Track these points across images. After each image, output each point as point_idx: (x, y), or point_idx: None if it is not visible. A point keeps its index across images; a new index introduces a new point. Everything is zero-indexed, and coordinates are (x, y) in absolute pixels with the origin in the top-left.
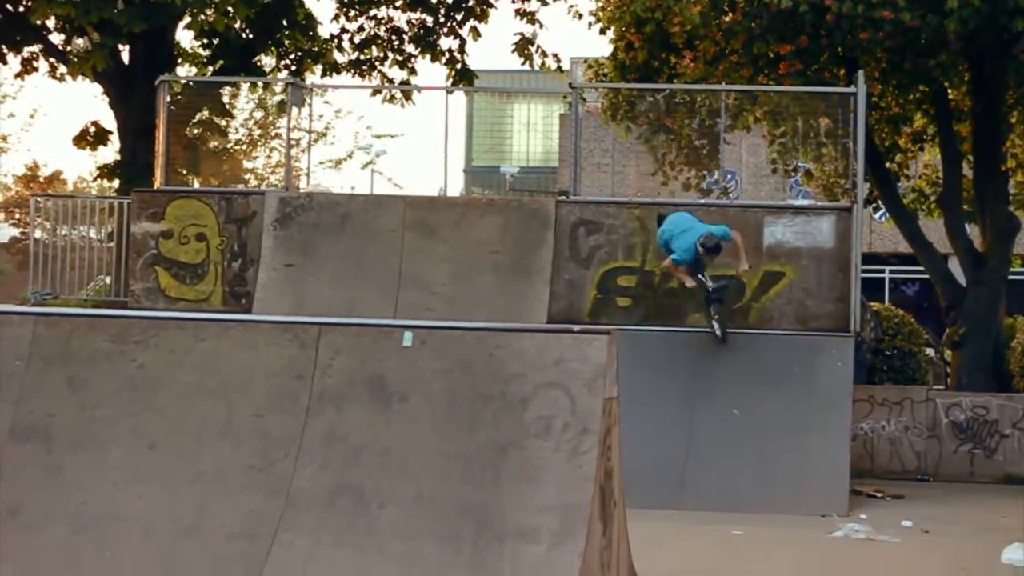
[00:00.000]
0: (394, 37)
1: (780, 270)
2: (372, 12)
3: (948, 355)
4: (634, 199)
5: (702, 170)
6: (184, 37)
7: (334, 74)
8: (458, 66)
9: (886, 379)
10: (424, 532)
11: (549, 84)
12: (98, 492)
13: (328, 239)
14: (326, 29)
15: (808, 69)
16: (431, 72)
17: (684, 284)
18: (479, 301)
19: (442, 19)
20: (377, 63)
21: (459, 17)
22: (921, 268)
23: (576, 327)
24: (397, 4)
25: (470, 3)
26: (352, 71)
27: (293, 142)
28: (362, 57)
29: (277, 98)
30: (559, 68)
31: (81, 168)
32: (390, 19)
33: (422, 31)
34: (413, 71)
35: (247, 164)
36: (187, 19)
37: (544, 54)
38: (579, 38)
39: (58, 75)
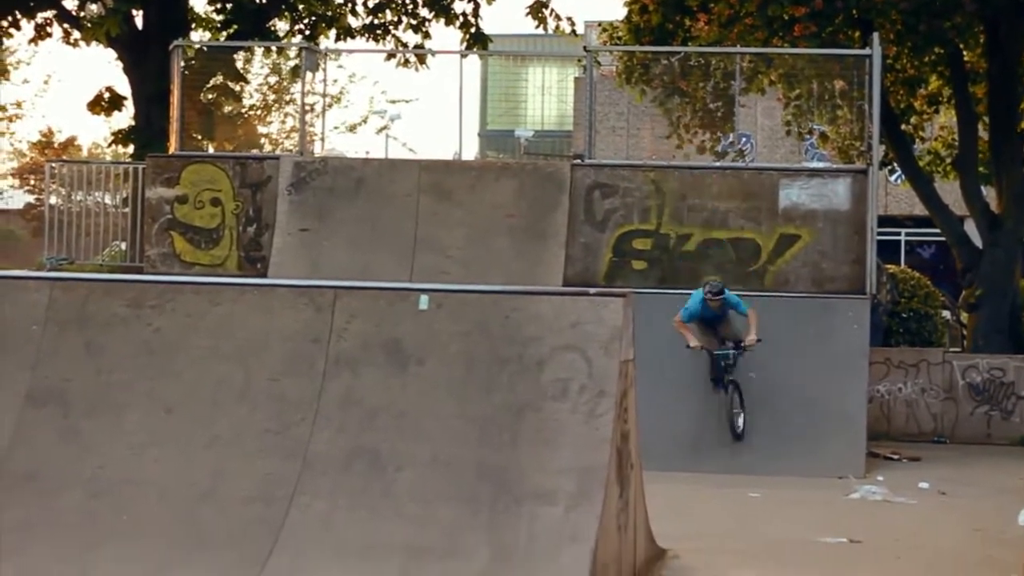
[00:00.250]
0: (408, 1)
1: (796, 233)
2: None
3: (964, 317)
4: (649, 162)
5: (717, 133)
6: (198, 2)
7: (348, 39)
8: (472, 30)
9: (902, 341)
10: (441, 495)
11: (563, 48)
12: (115, 456)
13: (343, 203)
14: None
15: (823, 31)
16: (445, 36)
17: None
18: (494, 264)
19: None
20: (391, 27)
21: None
22: (937, 230)
23: (592, 290)
24: None
25: None
26: (366, 35)
27: (307, 107)
28: (376, 21)
29: (291, 63)
30: (573, 32)
31: (96, 134)
32: None
33: None
34: (427, 35)
35: (261, 129)
36: None
37: (558, 17)
38: (593, 1)
39: (72, 41)
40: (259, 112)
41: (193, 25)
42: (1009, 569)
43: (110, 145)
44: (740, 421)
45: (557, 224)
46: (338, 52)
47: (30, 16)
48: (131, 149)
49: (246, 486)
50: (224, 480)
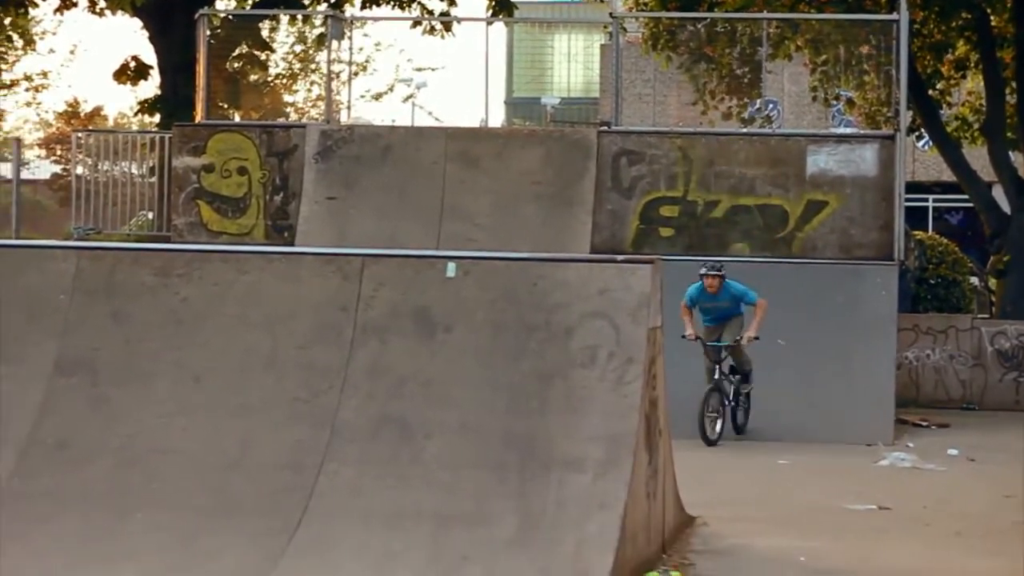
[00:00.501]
0: None
1: (823, 199)
2: None
3: (992, 283)
4: (676, 129)
5: (743, 99)
6: None
7: (374, 6)
8: None
9: (930, 308)
10: (470, 462)
11: (590, 14)
12: (144, 425)
13: (370, 172)
14: None
15: None
16: (471, 3)
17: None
18: (521, 232)
19: None
20: None
21: None
22: (965, 196)
23: (620, 257)
24: None
25: None
26: (392, 3)
27: (333, 75)
28: None
29: (317, 31)
30: None
31: (122, 103)
32: None
33: None
34: (453, 2)
35: (287, 98)
36: None
37: None
38: None
39: (97, 10)
40: (285, 81)
41: None
42: None
43: (136, 115)
44: (716, 427)
45: (584, 191)
46: (364, 20)
47: None
48: (157, 118)
49: (275, 454)
50: (253, 448)
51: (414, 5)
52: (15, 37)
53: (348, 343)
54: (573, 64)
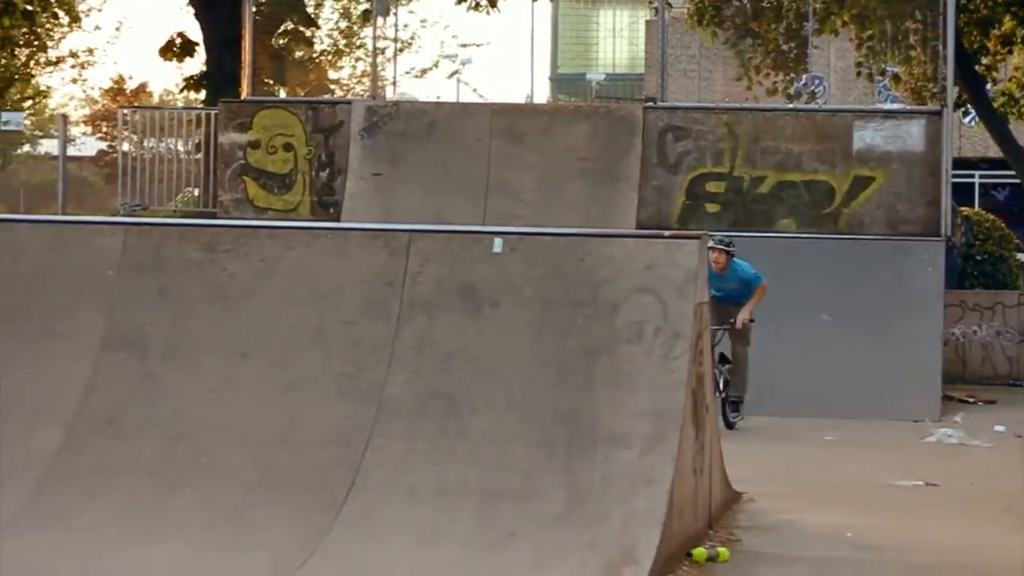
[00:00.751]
0: None
1: (870, 175)
2: None
3: None
4: (722, 104)
5: (789, 74)
6: None
7: None
8: None
9: (977, 284)
10: (517, 438)
11: None
12: (192, 401)
13: (415, 148)
14: None
15: None
16: None
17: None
18: (567, 208)
19: None
20: None
21: None
22: (1011, 172)
23: (667, 232)
24: None
25: None
26: None
27: (378, 51)
28: None
29: (362, 7)
30: None
31: (167, 80)
32: None
33: None
34: None
35: (332, 74)
36: None
37: None
38: None
39: None
40: (330, 57)
41: None
42: None
43: (182, 91)
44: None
45: (630, 167)
46: None
47: None
48: (203, 95)
49: (322, 429)
50: (300, 424)
51: None
52: (61, 14)
53: (395, 318)
54: (618, 40)
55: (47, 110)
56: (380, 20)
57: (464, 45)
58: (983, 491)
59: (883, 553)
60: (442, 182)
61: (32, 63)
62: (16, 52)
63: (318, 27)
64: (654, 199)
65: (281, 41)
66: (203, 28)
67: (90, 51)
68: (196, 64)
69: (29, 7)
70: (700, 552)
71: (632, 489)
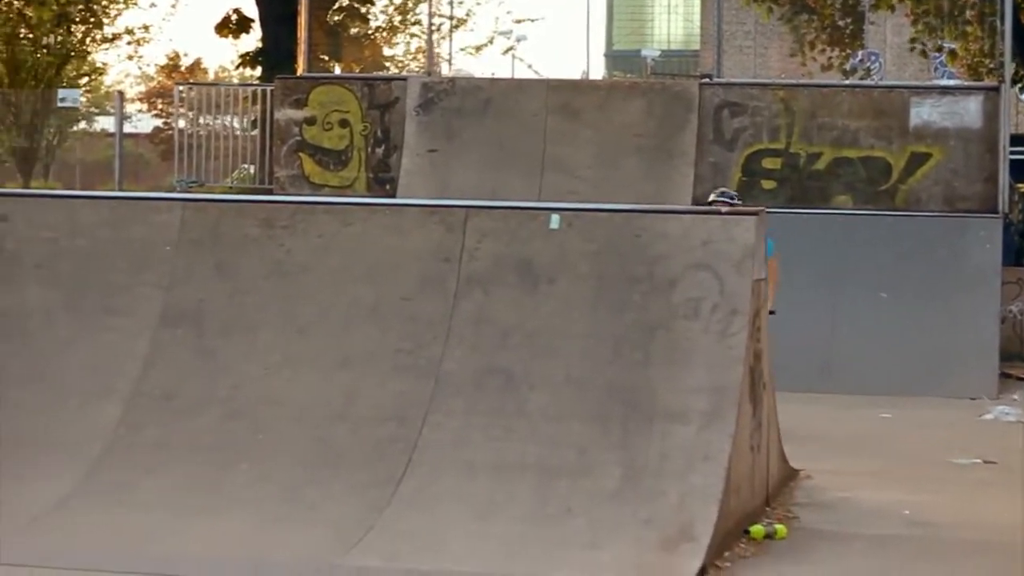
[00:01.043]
0: None
1: (927, 151)
2: None
3: None
4: (778, 80)
5: (845, 50)
6: None
7: None
8: None
9: None
10: (574, 414)
11: None
12: (249, 376)
13: (471, 124)
14: None
15: None
16: None
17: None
18: (623, 184)
19: None
20: None
21: None
22: None
23: (724, 207)
24: None
25: None
26: None
27: (434, 27)
28: None
29: None
30: None
31: (222, 57)
32: None
33: None
34: None
35: (387, 51)
36: None
37: None
38: None
39: None
40: (384, 34)
41: None
42: None
43: (237, 68)
44: None
45: (686, 143)
46: None
47: None
48: (258, 71)
49: (379, 405)
50: (357, 400)
51: None
52: None
53: (452, 294)
54: (673, 16)
55: (103, 87)
56: None
57: (519, 21)
58: None
59: (940, 530)
60: (497, 158)
61: (88, 40)
62: (72, 29)
63: (373, 3)
64: (710, 175)
65: (336, 17)
66: (259, 4)
67: (146, 28)
68: (252, 41)
69: None
70: (758, 529)
71: (689, 465)
